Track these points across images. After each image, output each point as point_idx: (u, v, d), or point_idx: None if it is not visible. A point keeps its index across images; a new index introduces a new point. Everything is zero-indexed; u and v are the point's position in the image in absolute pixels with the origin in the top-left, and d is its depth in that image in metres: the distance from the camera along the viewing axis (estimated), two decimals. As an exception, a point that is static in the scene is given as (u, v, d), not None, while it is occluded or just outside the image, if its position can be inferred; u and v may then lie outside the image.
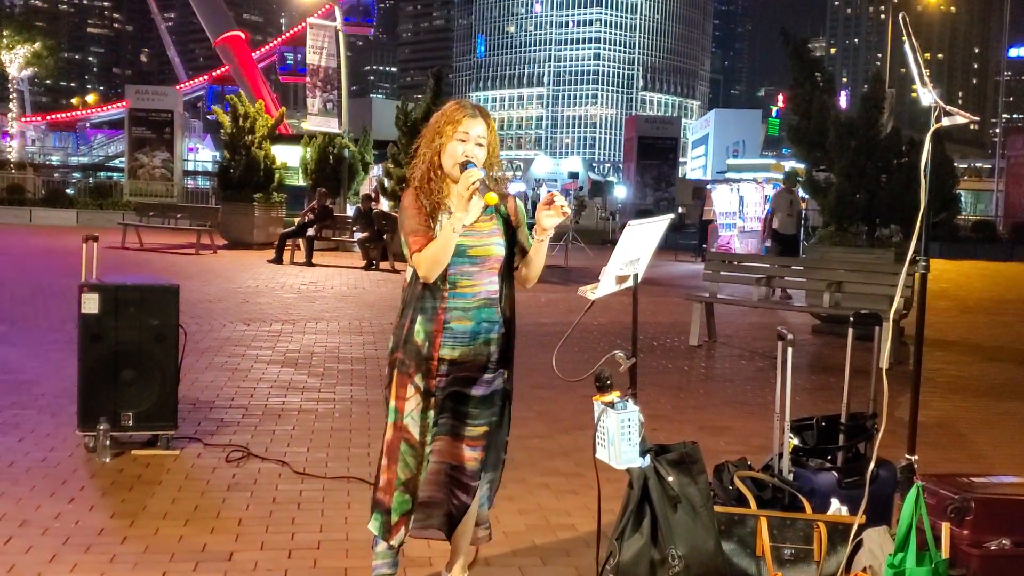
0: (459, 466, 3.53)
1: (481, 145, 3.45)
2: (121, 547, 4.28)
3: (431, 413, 3.46)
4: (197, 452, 5.80)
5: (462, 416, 3.51)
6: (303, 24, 61.04)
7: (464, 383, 3.49)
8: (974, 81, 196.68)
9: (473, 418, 3.52)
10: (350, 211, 22.18)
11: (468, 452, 3.53)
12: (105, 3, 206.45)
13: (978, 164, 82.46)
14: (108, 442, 5.51)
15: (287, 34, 76.09)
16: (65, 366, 7.72)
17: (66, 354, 8.07)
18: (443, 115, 3.48)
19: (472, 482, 3.54)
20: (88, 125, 79.62)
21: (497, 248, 3.49)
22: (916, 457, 3.63)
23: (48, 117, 71.68)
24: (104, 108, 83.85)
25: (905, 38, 3.55)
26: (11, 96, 53.13)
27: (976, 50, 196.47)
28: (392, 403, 3.50)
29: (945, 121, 3.51)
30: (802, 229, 18.31)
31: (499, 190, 3.45)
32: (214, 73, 73.60)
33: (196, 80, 77.98)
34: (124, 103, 79.03)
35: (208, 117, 61.65)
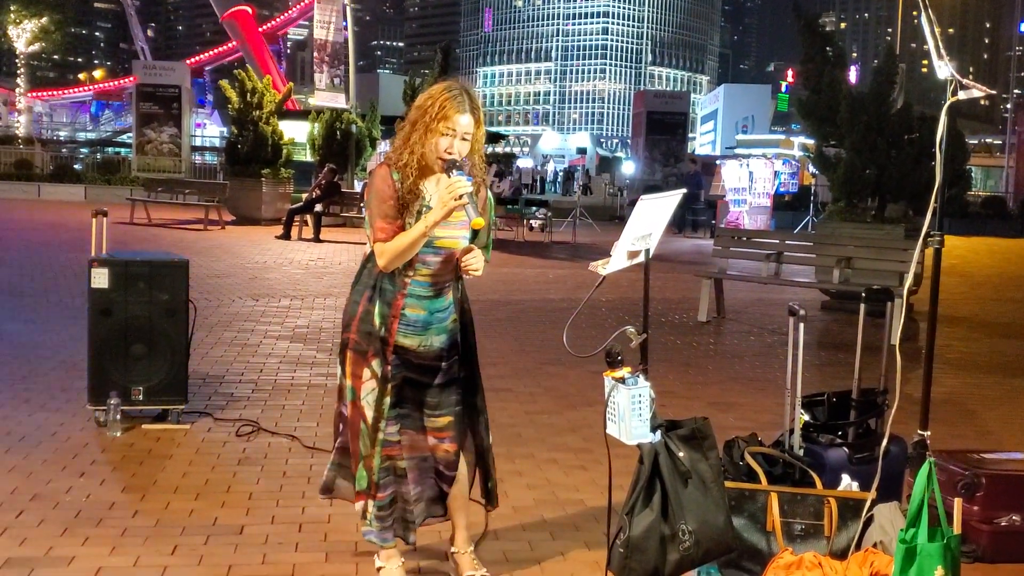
0: (432, 456, 3.59)
1: (466, 139, 3.39)
2: (132, 521, 4.30)
3: (387, 400, 3.48)
4: (207, 427, 5.81)
5: (422, 407, 3.55)
6: (306, 2, 60.59)
7: (420, 372, 3.51)
8: (985, 56, 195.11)
9: (433, 408, 3.55)
10: (358, 187, 22.16)
11: (437, 443, 3.58)
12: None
13: (988, 140, 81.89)
14: (118, 416, 5.53)
15: (293, 10, 75.61)
16: (75, 341, 7.74)
17: (76, 329, 8.09)
18: (434, 106, 3.36)
19: (449, 472, 3.59)
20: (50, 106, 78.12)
21: (463, 241, 3.47)
22: (928, 433, 3.62)
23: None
24: (64, 91, 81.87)
25: (922, 10, 3.51)
26: (19, 71, 52.97)
27: (987, 25, 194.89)
28: (348, 382, 3.52)
29: (961, 94, 3.47)
30: None
31: (477, 182, 3.41)
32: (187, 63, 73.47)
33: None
34: (87, 86, 77.30)
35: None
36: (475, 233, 3.50)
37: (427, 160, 3.39)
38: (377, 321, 3.44)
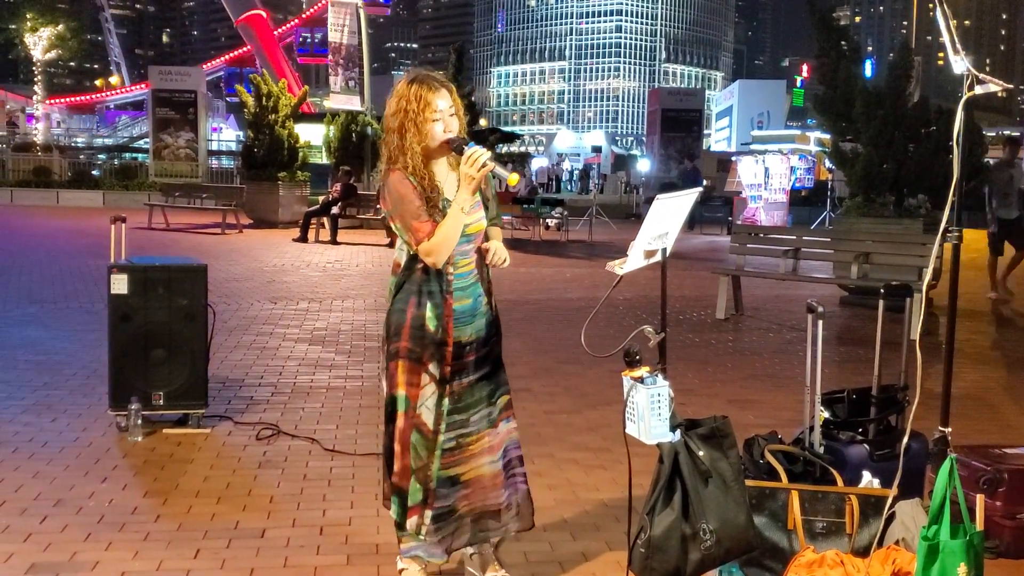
0: (504, 450, 3.57)
1: (454, 116, 3.42)
2: (155, 525, 4.32)
3: (446, 401, 3.45)
4: (228, 430, 5.84)
5: (489, 397, 3.54)
6: (322, 3, 60.53)
7: (477, 366, 3.50)
8: (1001, 48, 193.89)
9: (495, 395, 3.57)
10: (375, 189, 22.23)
11: (505, 426, 3.58)
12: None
13: (1006, 132, 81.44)
14: (140, 421, 5.56)
15: (308, 12, 75.72)
16: (95, 347, 7.79)
17: (96, 335, 8.15)
18: (413, 101, 3.36)
19: (518, 451, 3.62)
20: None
21: (484, 222, 3.51)
22: (949, 429, 3.60)
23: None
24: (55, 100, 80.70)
25: (937, 4, 3.50)
26: (36, 79, 53.27)
27: (1003, 16, 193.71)
28: (402, 392, 3.46)
29: (978, 89, 3.45)
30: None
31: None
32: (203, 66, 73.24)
33: (136, 86, 76.40)
34: (60, 99, 76.26)
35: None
36: (485, 207, 3.53)
37: (430, 152, 3.40)
38: (432, 325, 3.41)
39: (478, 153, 3.26)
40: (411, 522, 3.52)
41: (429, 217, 3.34)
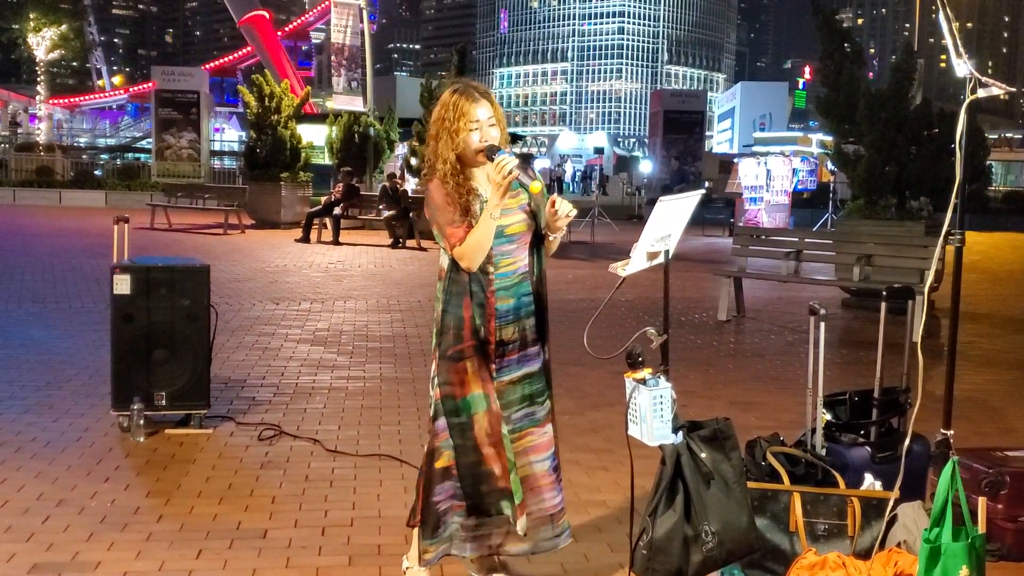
0: (538, 458, 3.56)
1: (494, 125, 3.45)
2: (157, 526, 4.33)
3: (497, 399, 3.47)
4: (230, 431, 5.84)
5: (533, 398, 3.56)
6: (318, 8, 60.39)
7: (520, 363, 3.52)
8: (1004, 50, 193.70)
9: (540, 395, 3.58)
10: (377, 190, 22.25)
11: (550, 429, 3.60)
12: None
13: (1008, 135, 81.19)
14: (142, 422, 5.57)
15: (291, 25, 75.67)
16: (98, 347, 7.80)
17: (99, 335, 8.15)
18: (450, 110, 3.41)
19: (554, 462, 3.61)
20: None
21: (528, 221, 3.52)
22: (952, 431, 3.60)
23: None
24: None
25: (940, 8, 3.50)
26: (39, 79, 53.25)
27: (1006, 19, 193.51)
28: (478, 390, 3.44)
29: (981, 92, 3.45)
30: None
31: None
32: (132, 89, 72.45)
33: (117, 92, 76.41)
34: (52, 99, 76.05)
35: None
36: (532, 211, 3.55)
37: (466, 159, 3.44)
38: (478, 323, 3.45)
39: (505, 160, 3.31)
40: (521, 522, 3.47)
41: (463, 223, 3.38)
